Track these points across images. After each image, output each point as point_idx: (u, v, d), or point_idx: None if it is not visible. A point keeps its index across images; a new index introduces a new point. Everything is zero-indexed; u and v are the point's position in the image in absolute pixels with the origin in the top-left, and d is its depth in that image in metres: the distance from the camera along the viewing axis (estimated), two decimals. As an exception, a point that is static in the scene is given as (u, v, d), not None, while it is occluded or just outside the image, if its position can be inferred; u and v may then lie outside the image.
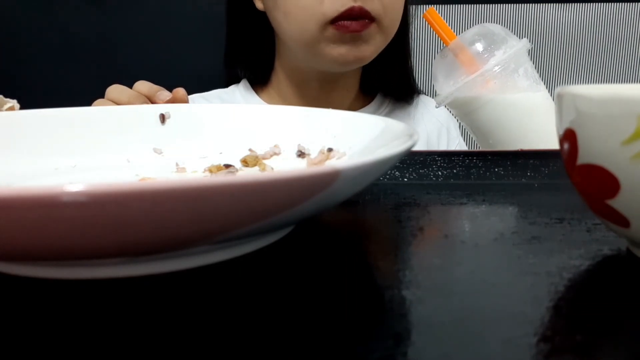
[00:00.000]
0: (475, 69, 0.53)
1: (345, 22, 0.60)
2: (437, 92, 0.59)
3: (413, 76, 0.78)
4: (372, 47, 0.64)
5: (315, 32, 0.61)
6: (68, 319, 0.18)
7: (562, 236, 0.25)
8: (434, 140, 0.78)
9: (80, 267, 0.20)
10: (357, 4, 0.59)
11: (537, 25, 1.11)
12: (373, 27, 0.62)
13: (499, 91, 0.54)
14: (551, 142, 0.53)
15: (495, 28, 0.56)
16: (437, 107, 0.60)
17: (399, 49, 0.73)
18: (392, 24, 0.65)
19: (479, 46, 0.54)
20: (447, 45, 0.57)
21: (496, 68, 0.53)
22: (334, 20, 0.60)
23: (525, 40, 0.55)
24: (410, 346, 0.15)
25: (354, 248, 0.24)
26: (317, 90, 0.72)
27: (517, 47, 0.53)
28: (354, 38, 0.62)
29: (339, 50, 0.62)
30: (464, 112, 0.58)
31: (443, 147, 0.78)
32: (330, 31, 0.60)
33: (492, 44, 0.54)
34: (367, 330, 0.16)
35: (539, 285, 0.19)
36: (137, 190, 0.14)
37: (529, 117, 0.54)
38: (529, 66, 0.55)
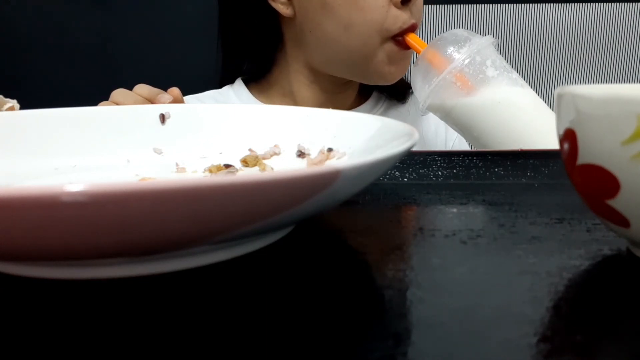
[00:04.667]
0: (444, 68, 0.57)
1: (403, 39, 0.63)
2: (418, 100, 0.61)
3: None
4: (409, 63, 0.68)
5: (376, 46, 0.64)
6: (68, 319, 0.18)
7: (562, 236, 0.25)
8: (432, 136, 0.79)
9: (80, 267, 0.20)
10: (413, 21, 0.63)
11: (537, 25, 1.11)
12: None
13: (471, 82, 0.56)
14: (527, 129, 0.55)
15: (459, 31, 0.60)
16: (422, 115, 0.63)
17: None
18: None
19: (446, 49, 0.58)
20: (419, 54, 0.60)
21: (464, 62, 0.56)
22: (394, 36, 0.63)
23: (489, 36, 0.58)
24: (410, 346, 0.16)
25: (354, 248, 0.24)
26: (329, 91, 0.73)
27: (479, 42, 0.57)
28: (405, 55, 0.66)
29: (390, 69, 0.66)
30: (444, 113, 0.60)
31: (441, 142, 0.79)
32: (390, 46, 0.64)
33: (457, 45, 0.57)
34: (367, 330, 0.16)
35: (539, 285, 0.19)
36: (137, 190, 0.14)
37: (505, 107, 0.57)
38: (496, 58, 0.58)
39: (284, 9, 0.67)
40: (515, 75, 0.59)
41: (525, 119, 0.56)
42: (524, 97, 0.58)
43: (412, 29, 0.63)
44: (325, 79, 0.72)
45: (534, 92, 0.59)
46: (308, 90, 0.73)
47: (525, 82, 0.59)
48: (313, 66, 0.71)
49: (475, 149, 0.64)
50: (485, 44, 0.57)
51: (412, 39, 0.63)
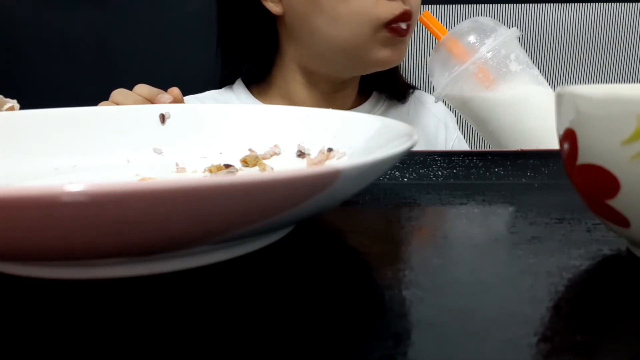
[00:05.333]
0: (467, 58, 0.56)
1: (399, 25, 0.62)
2: (434, 87, 0.60)
3: (400, 72, 0.79)
4: (406, 48, 0.67)
5: (368, 36, 0.63)
6: (68, 319, 0.18)
7: (562, 236, 0.25)
8: (432, 136, 0.78)
9: (81, 267, 0.20)
10: (406, 7, 0.62)
11: (537, 25, 1.11)
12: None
13: (493, 75, 0.56)
14: (544, 128, 0.55)
15: (485, 20, 0.59)
16: (436, 102, 0.62)
17: None
18: (415, 25, 0.67)
19: (470, 38, 0.57)
20: (439, 40, 0.59)
21: (488, 54, 0.55)
22: (387, 24, 0.62)
23: (514, 28, 0.57)
24: (410, 346, 0.15)
25: (354, 248, 0.24)
26: (327, 92, 0.73)
27: (505, 34, 0.56)
28: (400, 41, 0.64)
29: (385, 53, 0.65)
30: (460, 103, 0.59)
31: (441, 142, 0.79)
32: (384, 34, 0.63)
33: (482, 34, 0.56)
34: (367, 330, 0.16)
35: (539, 285, 0.19)
36: (137, 190, 0.14)
37: (524, 104, 0.57)
38: (520, 52, 0.57)
39: (273, 7, 0.67)
40: (536, 72, 0.58)
41: (543, 118, 0.55)
42: (544, 95, 0.57)
43: (406, 15, 0.62)
44: (321, 80, 0.72)
45: (552, 91, 0.58)
46: (306, 91, 0.73)
47: (545, 80, 0.58)
48: (308, 66, 0.71)
49: (476, 150, 0.64)
50: (511, 36, 0.55)
51: (427, 18, 0.61)
